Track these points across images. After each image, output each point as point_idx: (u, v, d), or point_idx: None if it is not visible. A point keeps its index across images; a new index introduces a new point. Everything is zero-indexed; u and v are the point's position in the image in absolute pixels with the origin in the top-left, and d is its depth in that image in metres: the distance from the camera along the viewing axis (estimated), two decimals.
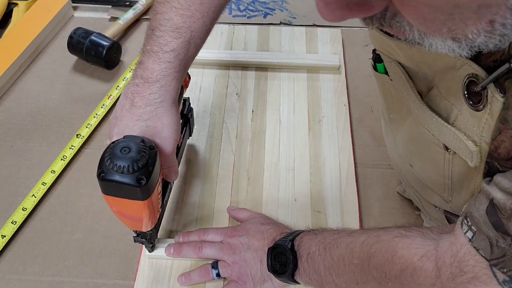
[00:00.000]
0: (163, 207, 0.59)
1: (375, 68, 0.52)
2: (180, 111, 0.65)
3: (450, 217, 0.55)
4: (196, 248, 0.59)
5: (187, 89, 0.64)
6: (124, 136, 0.47)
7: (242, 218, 0.64)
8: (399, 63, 0.46)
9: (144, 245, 0.61)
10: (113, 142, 0.46)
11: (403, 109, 0.50)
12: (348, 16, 0.27)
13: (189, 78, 0.63)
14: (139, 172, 0.44)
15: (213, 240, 0.60)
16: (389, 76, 0.49)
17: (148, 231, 0.56)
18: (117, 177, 0.43)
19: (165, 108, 0.50)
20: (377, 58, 0.50)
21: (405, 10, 0.26)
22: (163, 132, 0.50)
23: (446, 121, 0.42)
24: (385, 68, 0.50)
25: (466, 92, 0.39)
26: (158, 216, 0.55)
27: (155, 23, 0.50)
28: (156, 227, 0.59)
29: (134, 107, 0.49)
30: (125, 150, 0.44)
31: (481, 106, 0.38)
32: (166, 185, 0.60)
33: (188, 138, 0.71)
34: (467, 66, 0.38)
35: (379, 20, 0.29)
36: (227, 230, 0.60)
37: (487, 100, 0.37)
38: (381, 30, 0.46)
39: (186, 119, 0.67)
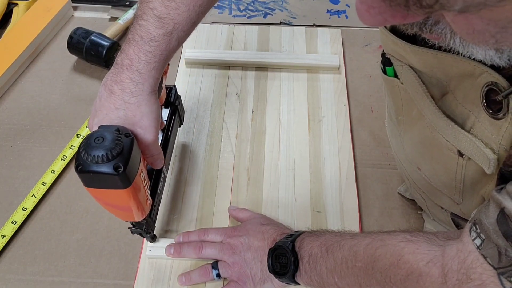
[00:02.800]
0: (156, 196, 0.59)
1: (384, 72, 0.51)
2: (166, 100, 0.65)
3: (457, 221, 0.55)
4: (196, 248, 0.59)
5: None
6: (99, 127, 0.46)
7: (243, 218, 0.64)
8: (411, 67, 0.46)
9: (144, 237, 0.60)
10: (88, 134, 0.46)
11: (412, 112, 0.49)
12: (389, 22, 0.27)
13: (168, 65, 0.62)
14: (114, 160, 0.43)
15: (213, 240, 0.60)
16: (399, 79, 0.49)
17: (142, 221, 0.55)
18: (94, 168, 0.43)
19: (144, 97, 0.49)
20: (386, 62, 0.50)
21: (455, 21, 0.26)
22: (143, 121, 0.49)
23: (461, 128, 0.42)
24: (394, 71, 0.50)
25: (484, 101, 0.38)
26: (149, 205, 0.55)
27: (140, 12, 0.50)
28: (151, 217, 0.58)
29: (113, 95, 0.49)
30: (98, 140, 0.44)
31: (501, 115, 0.37)
32: (158, 174, 0.59)
33: (180, 126, 0.71)
34: (487, 74, 0.37)
35: (420, 26, 0.29)
36: (227, 230, 0.60)
37: (508, 109, 0.36)
38: (393, 33, 0.45)
39: (174, 107, 0.66)
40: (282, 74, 0.85)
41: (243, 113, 0.79)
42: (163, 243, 0.62)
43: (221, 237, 0.60)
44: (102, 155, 0.43)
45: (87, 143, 0.44)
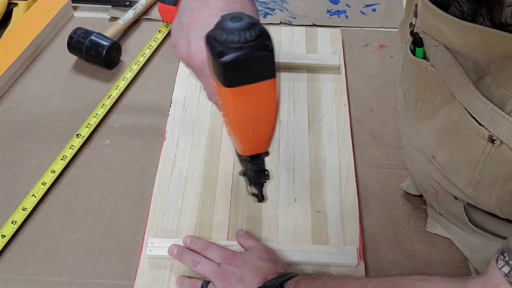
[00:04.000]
0: None
1: (413, 53, 0.49)
2: None
3: (471, 213, 0.54)
4: (194, 261, 0.59)
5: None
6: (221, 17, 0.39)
7: (246, 247, 0.62)
8: (447, 48, 0.44)
9: (258, 194, 0.52)
10: (220, 19, 0.38)
11: (436, 97, 0.48)
12: None
13: None
14: (262, 36, 0.36)
15: (213, 259, 0.60)
16: (428, 61, 0.48)
17: (263, 154, 0.47)
18: (243, 50, 0.36)
19: None
20: (418, 42, 0.48)
21: None
22: (247, 7, 0.46)
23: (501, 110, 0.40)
24: (424, 53, 0.48)
25: None
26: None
27: None
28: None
29: (207, 2, 0.44)
30: (236, 19, 0.37)
31: None
32: None
33: None
34: None
35: None
36: (228, 255, 0.59)
37: None
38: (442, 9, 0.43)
39: None
40: (282, 74, 0.84)
41: None
42: (162, 243, 0.62)
43: (220, 259, 0.59)
44: (250, 31, 0.36)
45: (224, 26, 0.37)
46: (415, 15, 0.49)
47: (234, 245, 0.63)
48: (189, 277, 0.61)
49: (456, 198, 0.55)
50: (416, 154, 0.58)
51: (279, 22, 0.94)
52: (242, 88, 0.38)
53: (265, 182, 0.51)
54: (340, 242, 0.65)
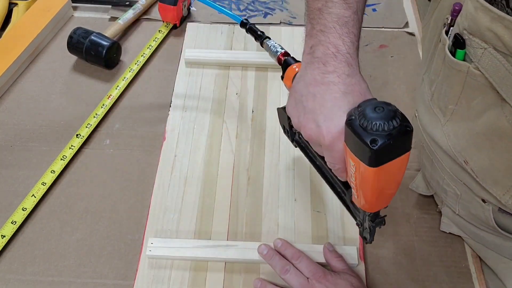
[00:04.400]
0: None
1: (453, 54, 0.49)
2: None
3: (500, 217, 0.53)
4: (284, 268, 0.59)
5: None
6: (356, 107, 0.44)
7: (334, 267, 0.61)
8: (497, 50, 0.43)
9: (371, 239, 0.55)
10: (359, 108, 0.43)
11: (473, 100, 0.48)
12: None
13: None
14: (402, 119, 0.41)
15: (302, 271, 0.59)
16: (470, 64, 0.47)
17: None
18: (392, 137, 0.41)
19: (359, 75, 0.48)
20: (460, 44, 0.47)
21: None
22: (367, 97, 0.48)
23: None
24: (465, 55, 0.47)
25: None
26: None
27: (319, 4, 0.50)
28: None
29: (332, 85, 0.47)
30: (379, 109, 0.42)
31: None
32: None
33: None
34: None
35: None
36: (319, 271, 0.58)
37: None
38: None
39: None
40: None
41: (243, 113, 0.79)
42: (162, 243, 0.62)
43: (309, 273, 0.58)
44: (397, 119, 0.41)
45: (370, 115, 0.42)
46: (454, 14, 0.48)
47: (234, 245, 0.63)
48: (271, 282, 0.61)
49: (484, 201, 0.54)
50: (441, 155, 0.57)
51: (279, 22, 0.94)
52: (384, 165, 0.42)
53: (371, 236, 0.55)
54: (340, 242, 0.65)
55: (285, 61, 0.63)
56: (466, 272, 0.63)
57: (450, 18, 0.49)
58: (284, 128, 0.67)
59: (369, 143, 0.41)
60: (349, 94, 0.47)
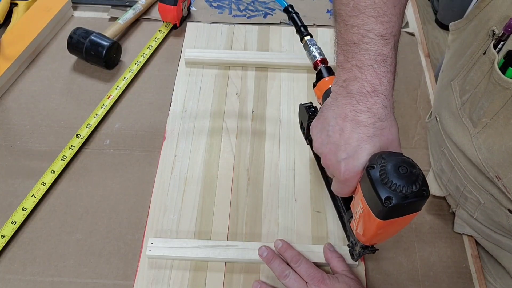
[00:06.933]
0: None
1: (503, 71, 0.48)
2: None
3: None
4: (283, 273, 0.59)
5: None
6: (379, 155, 0.44)
7: (334, 267, 0.61)
8: None
9: (358, 259, 0.59)
10: (382, 160, 0.43)
11: None
12: None
13: None
14: (423, 183, 0.42)
15: (300, 274, 0.59)
16: None
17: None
18: (407, 200, 0.41)
19: (392, 119, 0.48)
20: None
21: None
22: (394, 143, 0.48)
23: None
24: None
25: None
26: None
27: (355, 37, 0.48)
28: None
29: (361, 125, 0.46)
30: (403, 169, 0.42)
31: None
32: None
33: None
34: None
35: None
36: (317, 275, 0.58)
37: None
38: None
39: None
40: (282, 74, 0.85)
41: (243, 113, 0.79)
42: (162, 243, 0.62)
43: (308, 278, 0.58)
44: (417, 184, 0.42)
45: (393, 174, 0.42)
46: (509, 30, 0.47)
47: (234, 245, 0.63)
48: (271, 285, 0.61)
49: (511, 211, 0.54)
50: (465, 164, 0.56)
51: (279, 22, 0.94)
52: (391, 220, 0.43)
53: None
54: (340, 242, 0.65)
55: (320, 71, 0.62)
56: (466, 272, 0.63)
57: (502, 32, 0.48)
58: (301, 124, 0.68)
59: (383, 199, 0.41)
60: (377, 138, 0.46)
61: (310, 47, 0.65)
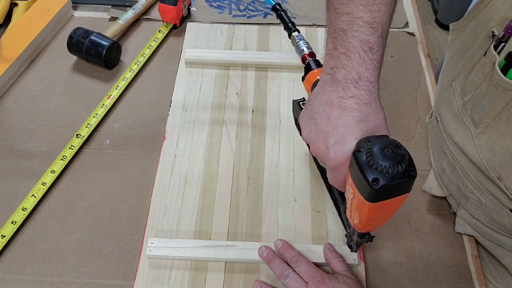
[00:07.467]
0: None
1: (504, 73, 0.48)
2: None
3: None
4: (283, 274, 0.59)
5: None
6: (366, 139, 0.45)
7: (333, 267, 0.61)
8: None
9: (356, 249, 0.59)
10: (369, 143, 0.43)
11: None
12: None
13: None
14: (409, 163, 0.42)
15: (300, 274, 0.59)
16: None
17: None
18: (395, 180, 0.42)
19: (377, 104, 0.48)
20: None
21: None
22: (381, 127, 0.48)
23: None
24: None
25: None
26: None
27: (344, 25, 0.48)
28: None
29: (348, 110, 0.47)
30: (388, 150, 0.42)
31: None
32: None
33: None
34: None
35: None
36: (317, 275, 0.58)
37: None
38: None
39: None
40: (282, 74, 0.85)
41: (243, 113, 0.79)
42: (162, 243, 0.62)
43: (308, 278, 0.58)
44: (404, 164, 0.42)
45: (378, 155, 0.42)
46: (509, 31, 0.47)
47: (234, 245, 0.63)
48: (270, 285, 0.61)
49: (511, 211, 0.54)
50: (467, 165, 0.56)
51: (279, 22, 0.94)
52: (381, 202, 0.43)
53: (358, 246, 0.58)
54: (340, 242, 0.65)
55: (308, 64, 0.63)
56: (466, 272, 0.63)
57: (502, 34, 0.48)
58: (296, 120, 0.68)
59: (370, 181, 0.42)
60: (364, 123, 0.47)
61: (298, 42, 0.66)
